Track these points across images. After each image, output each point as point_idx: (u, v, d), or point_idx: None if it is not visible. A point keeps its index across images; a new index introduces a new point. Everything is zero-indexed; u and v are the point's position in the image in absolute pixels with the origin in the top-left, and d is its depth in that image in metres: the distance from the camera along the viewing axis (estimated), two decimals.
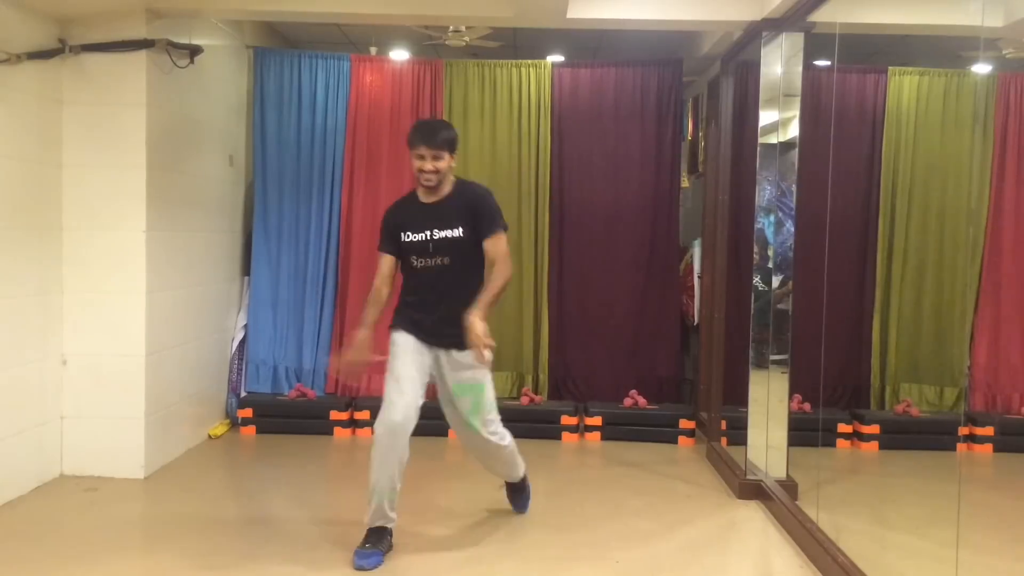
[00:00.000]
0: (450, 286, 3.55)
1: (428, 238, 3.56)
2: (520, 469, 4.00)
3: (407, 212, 3.65)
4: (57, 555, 3.54)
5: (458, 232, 3.55)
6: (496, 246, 3.55)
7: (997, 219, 5.77)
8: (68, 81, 4.44)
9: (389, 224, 3.67)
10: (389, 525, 3.59)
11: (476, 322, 3.32)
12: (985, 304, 5.80)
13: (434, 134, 3.52)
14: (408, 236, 3.59)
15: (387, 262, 3.66)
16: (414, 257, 3.60)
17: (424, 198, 3.62)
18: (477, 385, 3.62)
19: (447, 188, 3.61)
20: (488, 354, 3.31)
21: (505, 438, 3.79)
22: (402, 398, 3.46)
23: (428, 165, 3.50)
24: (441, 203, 3.59)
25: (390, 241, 3.66)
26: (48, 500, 4.19)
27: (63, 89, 4.44)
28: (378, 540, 3.54)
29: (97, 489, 4.35)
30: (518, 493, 4.12)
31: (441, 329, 3.55)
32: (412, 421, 3.48)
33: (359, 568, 3.43)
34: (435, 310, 3.56)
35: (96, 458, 4.51)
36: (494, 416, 3.72)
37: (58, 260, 4.46)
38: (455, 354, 3.57)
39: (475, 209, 3.58)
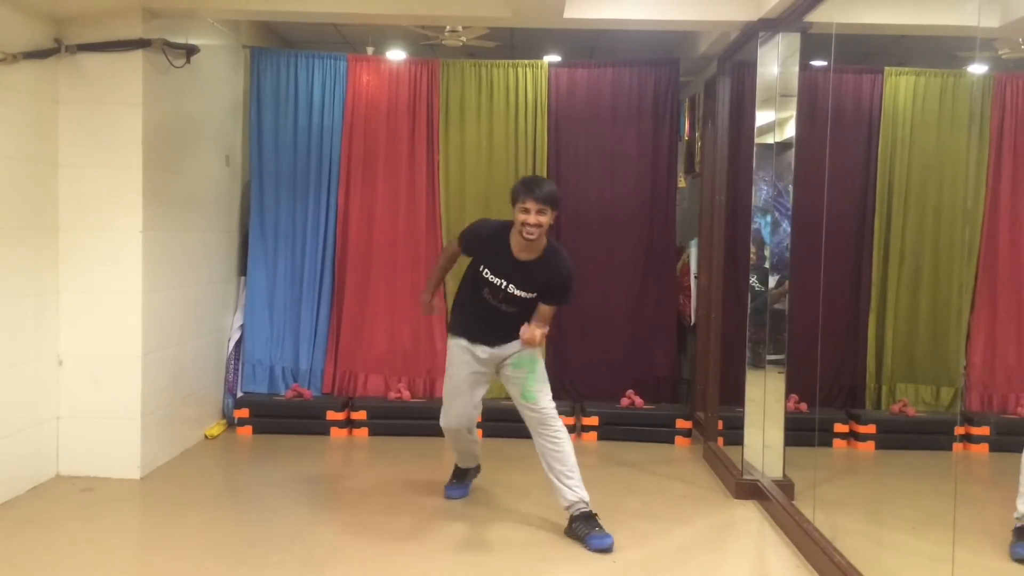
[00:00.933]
0: (508, 322, 3.80)
1: (503, 287, 3.79)
2: (576, 483, 3.87)
3: (497, 253, 3.80)
4: (53, 556, 3.53)
5: (532, 295, 3.80)
6: (551, 313, 3.84)
7: (993, 219, 5.78)
8: (64, 81, 4.44)
9: (478, 244, 3.89)
10: (470, 466, 4.37)
11: (537, 332, 3.67)
12: (981, 304, 5.81)
13: (540, 188, 3.67)
14: (487, 273, 3.81)
15: (455, 252, 4.08)
16: (485, 289, 3.84)
17: (516, 249, 3.77)
18: (532, 357, 3.91)
19: (539, 249, 3.78)
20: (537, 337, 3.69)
21: (559, 420, 3.94)
22: (456, 402, 4.03)
23: (532, 219, 3.63)
24: (529, 264, 3.77)
25: (467, 248, 3.95)
26: (44, 501, 4.18)
27: (59, 88, 4.43)
28: (462, 477, 4.36)
29: (93, 489, 4.34)
30: (592, 525, 3.79)
31: (498, 339, 3.91)
32: (465, 418, 4.06)
33: (448, 498, 4.29)
34: (497, 330, 3.89)
35: (92, 458, 4.50)
36: (548, 389, 3.95)
37: (54, 260, 4.45)
38: (506, 346, 3.91)
39: (555, 287, 3.80)
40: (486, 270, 3.81)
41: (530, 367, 3.89)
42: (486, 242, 3.86)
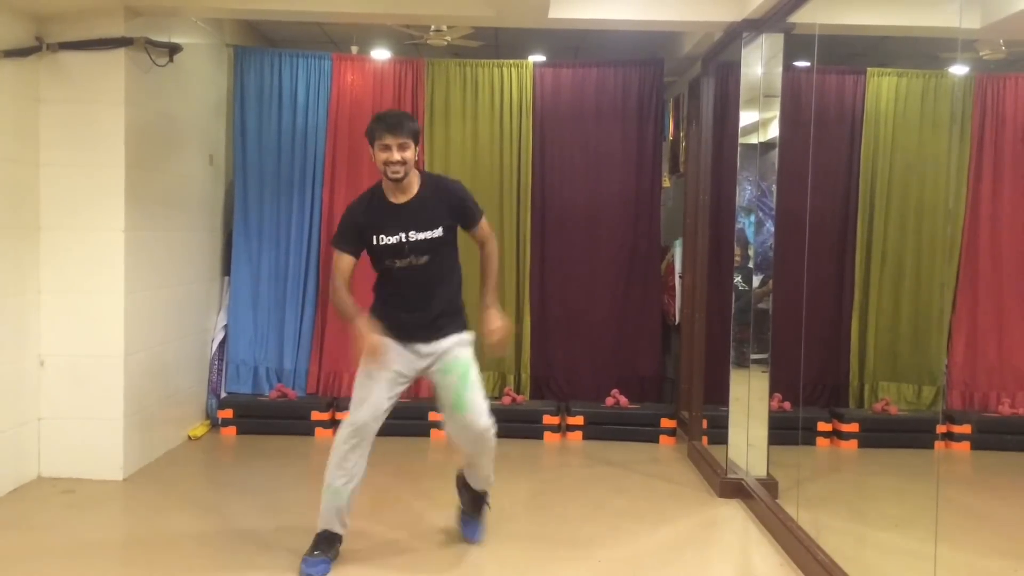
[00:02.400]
0: (433, 281, 3.46)
1: (403, 240, 3.39)
2: (491, 477, 3.73)
3: (378, 213, 3.43)
4: (34, 558, 3.51)
5: (437, 232, 3.42)
6: (483, 230, 3.56)
7: (974, 219, 5.82)
8: (45, 79, 4.40)
9: (355, 224, 3.45)
10: (340, 532, 3.51)
11: (496, 317, 3.44)
12: (962, 303, 5.85)
13: (399, 124, 3.34)
14: (382, 239, 3.40)
15: (347, 262, 3.44)
16: (389, 259, 3.43)
17: (393, 197, 3.42)
18: (463, 362, 3.48)
19: (415, 184, 3.44)
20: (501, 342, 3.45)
21: (492, 424, 3.54)
22: (371, 398, 3.41)
23: (396, 156, 3.30)
24: (414, 202, 3.42)
25: (353, 240, 3.44)
26: (25, 502, 4.15)
27: (40, 87, 4.40)
28: (328, 547, 3.47)
29: (75, 491, 4.31)
30: (476, 510, 3.78)
31: (437, 323, 3.46)
32: (377, 422, 3.43)
33: (306, 574, 3.36)
34: (428, 306, 3.45)
35: (74, 460, 4.47)
36: (483, 396, 3.52)
37: (35, 260, 4.41)
38: (441, 341, 3.47)
39: (454, 206, 3.49)
40: (378, 236, 3.39)
41: (462, 372, 3.47)
42: (361, 210, 3.47)
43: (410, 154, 3.35)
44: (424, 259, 3.42)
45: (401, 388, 3.49)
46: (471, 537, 3.76)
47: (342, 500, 3.45)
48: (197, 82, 5.36)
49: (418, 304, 3.45)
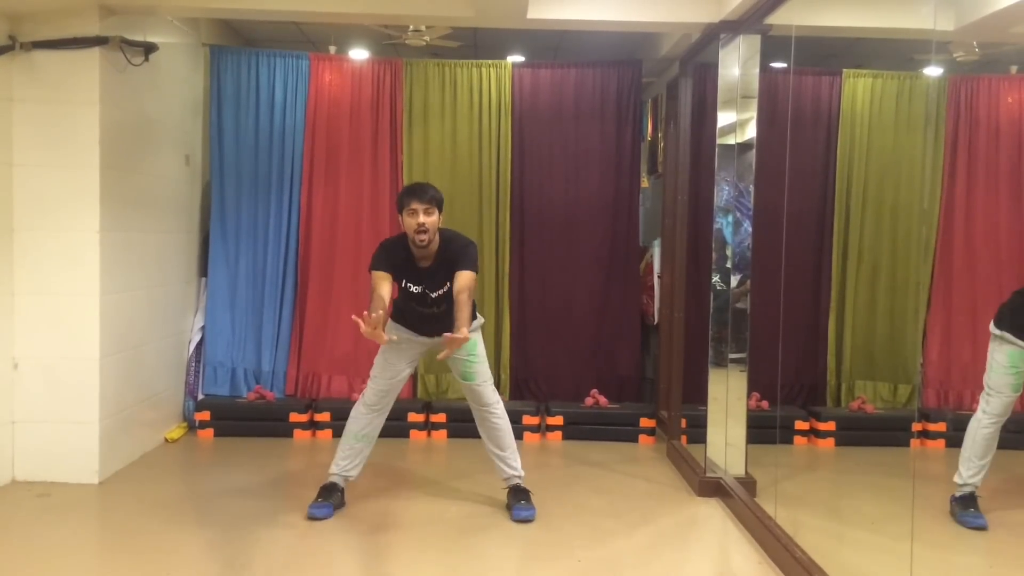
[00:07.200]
0: (444, 319, 3.93)
1: (424, 292, 3.95)
2: (519, 468, 4.21)
3: (405, 263, 3.92)
4: (8, 562, 3.47)
5: (448, 288, 3.89)
6: (465, 277, 3.79)
7: (948, 219, 5.88)
8: (19, 79, 4.35)
9: (390, 260, 3.90)
10: (341, 484, 4.13)
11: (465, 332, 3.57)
12: (937, 302, 5.91)
13: (424, 191, 3.85)
14: (408, 286, 3.96)
15: (387, 280, 3.83)
16: (413, 301, 3.99)
17: (419, 260, 3.92)
18: (471, 341, 3.90)
19: (435, 248, 3.90)
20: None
21: (499, 400, 4.21)
22: (384, 376, 4.08)
23: (421, 218, 3.77)
24: (433, 267, 3.92)
25: (389, 266, 3.88)
26: None
27: (13, 87, 4.34)
28: (328, 495, 4.07)
29: (50, 495, 4.27)
30: (521, 499, 4.11)
31: (440, 331, 3.89)
32: (391, 395, 4.14)
33: (311, 518, 3.95)
34: (443, 324, 3.89)
35: (49, 463, 4.42)
36: (488, 372, 4.16)
37: (9, 261, 4.36)
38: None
39: (456, 260, 3.86)
40: (405, 282, 3.96)
41: (469, 349, 3.98)
42: (392, 255, 3.92)
43: (433, 219, 3.83)
44: (442, 307, 3.98)
45: (415, 362, 4.23)
46: (526, 516, 4.03)
47: (352, 444, 4.11)
48: (173, 82, 5.32)
49: (431, 326, 4.04)
